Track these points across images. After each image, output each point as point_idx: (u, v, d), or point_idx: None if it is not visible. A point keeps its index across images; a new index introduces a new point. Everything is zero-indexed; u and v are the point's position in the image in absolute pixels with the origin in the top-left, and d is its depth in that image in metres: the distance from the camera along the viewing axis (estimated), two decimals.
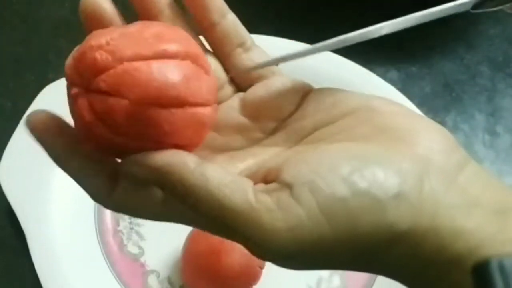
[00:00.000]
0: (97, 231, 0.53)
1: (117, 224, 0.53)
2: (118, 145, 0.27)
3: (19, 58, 0.63)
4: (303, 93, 0.30)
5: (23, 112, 0.56)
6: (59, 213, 0.52)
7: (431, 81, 0.63)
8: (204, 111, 0.27)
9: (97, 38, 0.27)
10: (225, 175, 0.26)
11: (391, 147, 0.26)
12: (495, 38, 0.66)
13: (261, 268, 0.49)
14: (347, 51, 0.60)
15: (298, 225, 0.24)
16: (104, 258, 0.51)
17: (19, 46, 0.64)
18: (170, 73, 0.26)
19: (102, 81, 0.27)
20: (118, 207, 0.28)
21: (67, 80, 0.29)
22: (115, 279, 0.51)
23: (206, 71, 0.28)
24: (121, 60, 0.26)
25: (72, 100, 0.29)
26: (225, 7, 0.30)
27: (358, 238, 0.25)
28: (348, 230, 0.24)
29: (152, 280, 0.51)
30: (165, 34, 0.27)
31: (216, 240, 0.48)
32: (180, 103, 0.27)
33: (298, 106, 0.29)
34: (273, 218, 0.25)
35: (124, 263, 0.52)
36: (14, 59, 0.63)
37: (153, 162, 0.26)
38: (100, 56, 0.27)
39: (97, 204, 0.53)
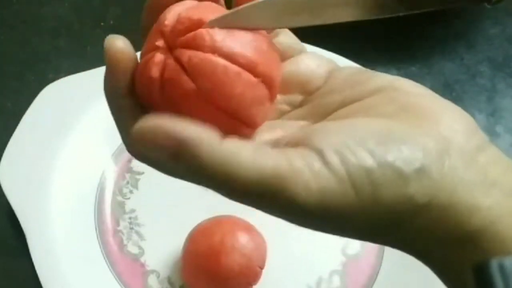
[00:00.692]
0: (97, 231, 0.53)
1: (117, 224, 0.53)
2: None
3: (19, 58, 0.63)
4: (330, 70, 0.31)
5: (23, 112, 0.56)
6: (59, 213, 0.52)
7: (431, 81, 0.63)
8: (269, 92, 0.28)
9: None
10: (245, 143, 0.26)
11: (416, 125, 0.27)
12: (495, 38, 0.66)
13: (261, 268, 0.49)
14: (347, 51, 0.60)
15: (328, 189, 0.25)
16: (104, 258, 0.51)
17: (19, 46, 0.64)
18: (259, 42, 0.27)
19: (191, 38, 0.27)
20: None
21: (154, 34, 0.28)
22: (115, 279, 0.51)
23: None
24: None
25: (152, 54, 0.28)
26: None
27: (380, 209, 0.25)
28: (371, 200, 0.25)
29: (152, 280, 0.51)
30: None
31: (216, 240, 0.48)
32: (257, 73, 0.27)
33: (325, 81, 0.31)
34: (305, 179, 0.25)
35: (124, 263, 0.52)
36: (14, 59, 0.63)
37: (178, 132, 0.25)
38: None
39: (97, 204, 0.54)
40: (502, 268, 0.23)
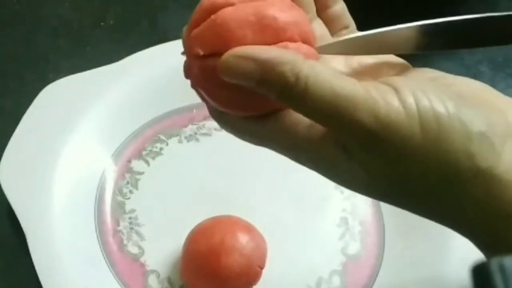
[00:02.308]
0: (97, 231, 0.53)
1: (117, 224, 0.53)
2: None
3: (19, 58, 0.63)
4: (404, 66, 0.33)
5: (23, 112, 0.56)
6: (59, 213, 0.52)
7: None
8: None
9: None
10: (324, 66, 0.28)
11: (488, 109, 0.29)
12: None
13: (261, 268, 0.49)
14: None
15: (396, 120, 0.27)
16: (104, 258, 0.51)
17: (19, 46, 0.64)
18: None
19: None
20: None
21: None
22: (115, 279, 0.51)
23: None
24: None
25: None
26: None
27: (442, 156, 0.27)
28: (435, 144, 0.27)
29: (152, 280, 0.51)
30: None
31: (216, 240, 0.48)
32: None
33: (398, 74, 0.32)
34: (376, 107, 0.27)
35: (124, 263, 0.52)
36: (14, 59, 0.63)
37: (263, 54, 0.27)
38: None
39: (97, 204, 0.54)
40: (502, 268, 0.23)
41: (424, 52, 0.32)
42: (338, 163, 0.29)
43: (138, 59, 0.58)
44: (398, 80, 0.28)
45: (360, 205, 0.55)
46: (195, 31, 0.29)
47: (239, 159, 0.57)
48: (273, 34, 0.28)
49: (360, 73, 0.32)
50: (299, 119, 0.30)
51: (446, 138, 0.27)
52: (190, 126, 0.58)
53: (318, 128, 0.29)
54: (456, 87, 0.30)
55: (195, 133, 0.58)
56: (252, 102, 0.29)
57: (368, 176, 0.29)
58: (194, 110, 0.58)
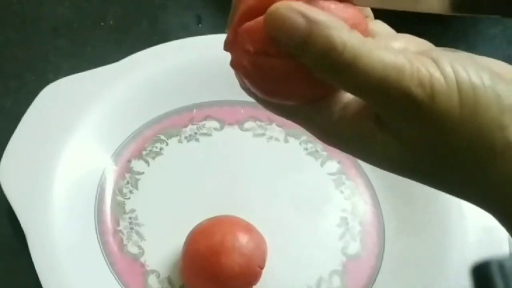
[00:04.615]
0: (97, 231, 0.53)
1: (117, 224, 0.53)
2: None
3: (19, 58, 0.63)
4: (429, 47, 0.33)
5: (23, 112, 0.56)
6: (59, 213, 0.52)
7: None
8: None
9: None
10: (369, 38, 0.28)
11: None
12: (495, 38, 0.66)
13: (261, 268, 0.49)
14: None
15: (437, 89, 0.27)
16: (104, 258, 0.51)
17: (19, 46, 0.64)
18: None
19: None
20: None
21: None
22: (115, 279, 0.51)
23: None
24: None
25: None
26: None
27: (477, 128, 0.27)
28: (471, 114, 0.27)
29: (152, 280, 0.51)
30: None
31: (216, 240, 0.48)
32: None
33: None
34: (421, 76, 0.27)
35: (124, 263, 0.52)
36: (14, 59, 0.63)
37: (314, 13, 0.27)
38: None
39: (97, 204, 0.54)
40: (502, 268, 0.23)
41: (458, 14, 0.31)
42: (372, 137, 0.30)
43: (138, 59, 0.58)
44: (436, 52, 0.29)
45: (360, 205, 0.55)
46: (248, 24, 0.28)
47: (239, 159, 0.57)
48: None
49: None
50: (335, 102, 0.30)
51: (481, 110, 0.27)
52: (190, 126, 0.58)
53: (352, 107, 0.30)
54: (487, 64, 0.30)
55: (195, 133, 0.58)
56: (296, 96, 0.30)
57: (402, 148, 0.29)
58: (194, 110, 0.58)
